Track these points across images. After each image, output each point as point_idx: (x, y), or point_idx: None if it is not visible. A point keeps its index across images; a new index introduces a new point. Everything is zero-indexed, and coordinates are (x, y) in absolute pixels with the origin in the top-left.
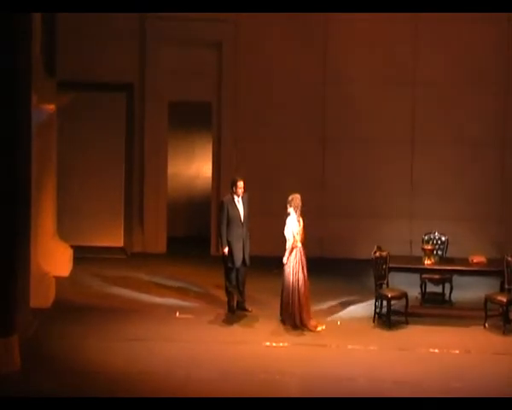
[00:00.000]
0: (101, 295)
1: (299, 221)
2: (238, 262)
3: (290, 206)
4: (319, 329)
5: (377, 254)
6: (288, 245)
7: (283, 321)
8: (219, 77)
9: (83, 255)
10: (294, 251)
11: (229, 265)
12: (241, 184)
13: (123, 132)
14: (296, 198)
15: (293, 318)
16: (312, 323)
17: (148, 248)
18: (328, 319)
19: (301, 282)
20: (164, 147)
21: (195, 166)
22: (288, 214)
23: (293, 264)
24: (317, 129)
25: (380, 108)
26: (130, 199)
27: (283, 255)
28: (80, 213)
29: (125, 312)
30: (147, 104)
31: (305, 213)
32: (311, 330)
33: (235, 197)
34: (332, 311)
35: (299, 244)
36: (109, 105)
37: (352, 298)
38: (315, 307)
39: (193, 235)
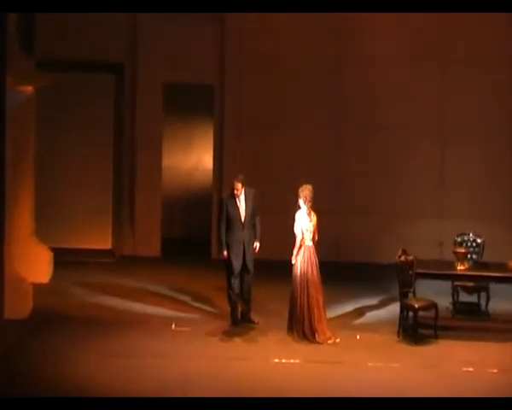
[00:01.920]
0: (85, 305)
1: (309, 215)
2: (237, 269)
3: (300, 198)
4: (330, 342)
5: (402, 258)
6: (297, 243)
7: (290, 330)
8: (222, 56)
9: (65, 259)
10: (303, 249)
11: (230, 271)
12: (237, 185)
13: (111, 119)
14: (306, 189)
15: (302, 327)
16: (327, 334)
17: (140, 251)
18: (346, 332)
19: (311, 284)
20: (158, 136)
21: (194, 158)
22: (299, 208)
23: (301, 264)
24: (333, 116)
25: (405, 92)
26: (120, 195)
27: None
28: (62, 210)
29: (114, 324)
30: (139, 87)
31: (319, 212)
32: (319, 343)
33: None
34: (350, 323)
35: (310, 242)
36: (95, 88)
37: (372, 309)
38: (330, 318)
39: (191, 236)
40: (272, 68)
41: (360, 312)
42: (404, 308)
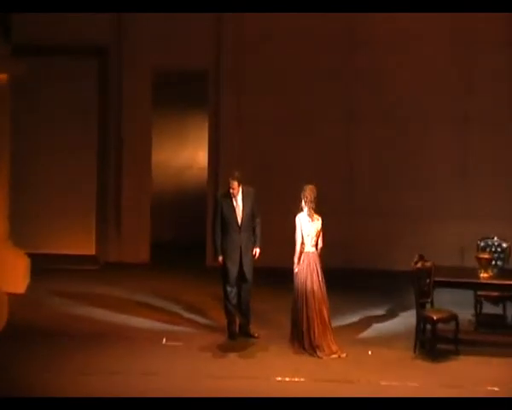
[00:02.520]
0: (64, 318)
1: (311, 218)
2: (233, 277)
3: (301, 199)
4: (334, 357)
5: (419, 264)
6: (296, 249)
7: (292, 342)
8: (218, 39)
9: (43, 266)
10: (303, 257)
11: (226, 279)
12: (233, 184)
13: (95, 110)
14: (308, 189)
15: (302, 339)
16: (332, 348)
17: (127, 257)
18: (356, 346)
19: (311, 295)
20: (147, 128)
21: (187, 154)
22: (301, 210)
23: (301, 273)
24: (343, 106)
25: (422, 77)
26: (105, 195)
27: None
28: (40, 212)
29: (97, 338)
30: (125, 74)
31: (326, 214)
32: (319, 357)
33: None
34: (361, 337)
35: (311, 248)
36: (77, 75)
37: (386, 321)
38: (339, 331)
39: (184, 240)
40: (277, 52)
41: (372, 324)
42: (421, 321)
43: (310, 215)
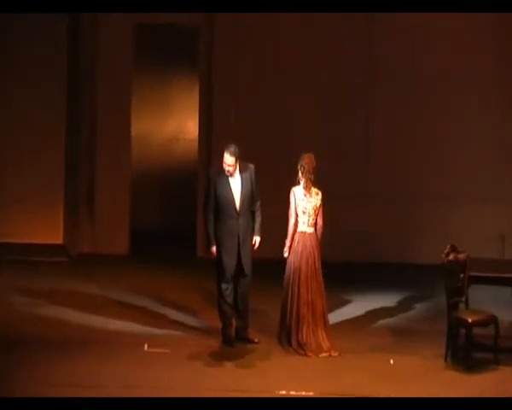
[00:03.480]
0: (28, 318)
1: (308, 192)
2: (230, 271)
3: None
4: (323, 355)
5: (451, 257)
6: (289, 228)
7: (279, 340)
8: None
9: (2, 257)
10: (297, 238)
11: (221, 274)
12: (229, 159)
13: (64, 73)
14: (306, 157)
15: (290, 336)
16: (323, 346)
17: (102, 248)
18: (376, 354)
19: (303, 283)
20: (126, 95)
21: (174, 124)
22: (297, 183)
23: (293, 257)
24: (360, 71)
25: (450, 37)
26: (75, 174)
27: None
28: None
29: (66, 343)
30: (101, 29)
31: (339, 198)
32: (307, 356)
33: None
34: (381, 343)
35: (307, 228)
36: (44, 33)
37: (411, 324)
38: (355, 336)
39: (170, 228)
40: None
41: (394, 328)
42: (454, 324)
43: (307, 189)
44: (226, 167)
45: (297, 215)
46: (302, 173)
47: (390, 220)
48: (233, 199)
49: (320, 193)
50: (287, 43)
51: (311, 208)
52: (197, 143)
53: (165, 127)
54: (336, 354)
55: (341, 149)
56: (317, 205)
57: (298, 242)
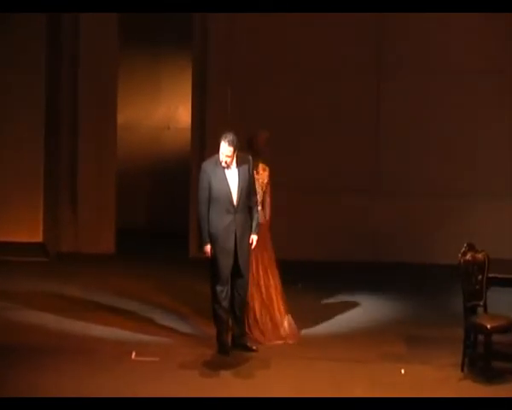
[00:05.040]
0: (4, 324)
1: (256, 169)
2: (225, 272)
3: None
4: (278, 343)
5: (468, 256)
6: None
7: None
8: None
9: None
10: None
11: (216, 275)
12: (227, 149)
13: (42, 59)
14: (257, 132)
15: (249, 324)
16: (280, 332)
17: (86, 247)
18: (386, 363)
19: (254, 270)
20: (112, 80)
21: (163, 111)
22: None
23: None
24: (369, 51)
25: (465, 35)
26: (56, 166)
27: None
28: None
29: (46, 352)
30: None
31: (348, 191)
32: (263, 343)
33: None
34: (391, 350)
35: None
36: (22, 19)
37: (424, 329)
38: (363, 341)
39: (160, 225)
40: None
41: (406, 335)
42: (471, 330)
43: (255, 165)
44: (223, 158)
45: None
46: (250, 147)
47: (404, 219)
48: (230, 193)
49: (268, 169)
50: (287, 27)
51: (258, 185)
52: (189, 131)
53: (154, 114)
54: (291, 341)
55: (345, 141)
56: (265, 182)
57: None
